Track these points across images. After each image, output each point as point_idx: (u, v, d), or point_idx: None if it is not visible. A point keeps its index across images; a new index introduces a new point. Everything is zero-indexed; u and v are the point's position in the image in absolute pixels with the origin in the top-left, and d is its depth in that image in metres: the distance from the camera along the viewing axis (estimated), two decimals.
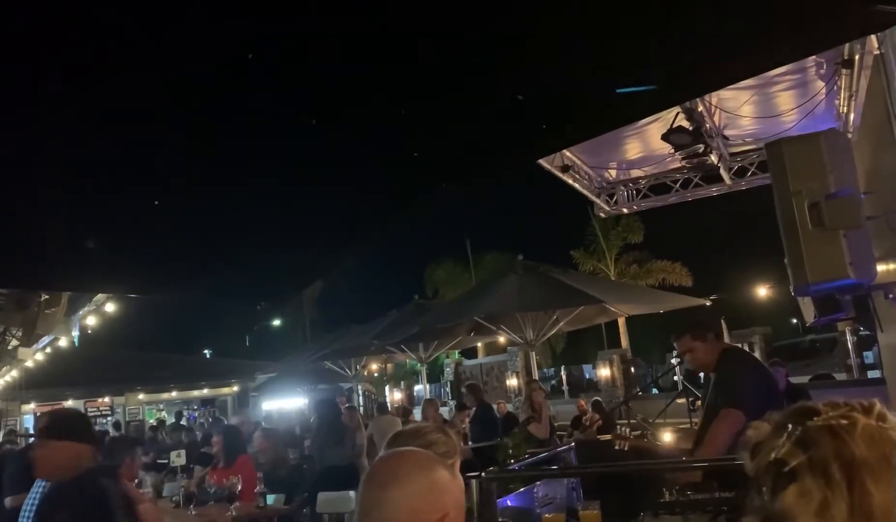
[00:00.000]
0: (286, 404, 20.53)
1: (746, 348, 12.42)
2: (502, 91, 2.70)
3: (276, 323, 39.76)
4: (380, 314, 16.97)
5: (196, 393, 23.09)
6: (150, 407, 23.25)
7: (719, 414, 4.35)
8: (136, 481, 6.18)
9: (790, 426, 1.03)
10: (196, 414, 22.79)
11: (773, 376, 4.90)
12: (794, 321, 24.62)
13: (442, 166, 3.34)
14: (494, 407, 13.12)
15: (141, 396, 22.43)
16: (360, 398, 23.06)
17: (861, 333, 14.64)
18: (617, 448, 4.91)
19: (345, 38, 2.24)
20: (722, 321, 23.38)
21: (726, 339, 22.58)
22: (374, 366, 23.52)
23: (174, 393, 22.75)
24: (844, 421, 1.00)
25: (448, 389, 25.99)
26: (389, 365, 25.53)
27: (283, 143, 2.79)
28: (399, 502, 1.44)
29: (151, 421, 20.77)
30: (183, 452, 8.15)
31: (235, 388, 21.28)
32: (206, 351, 37.37)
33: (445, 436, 2.21)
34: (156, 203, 2.89)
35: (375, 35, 2.25)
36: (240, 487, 5.60)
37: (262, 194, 3.14)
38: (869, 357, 15.42)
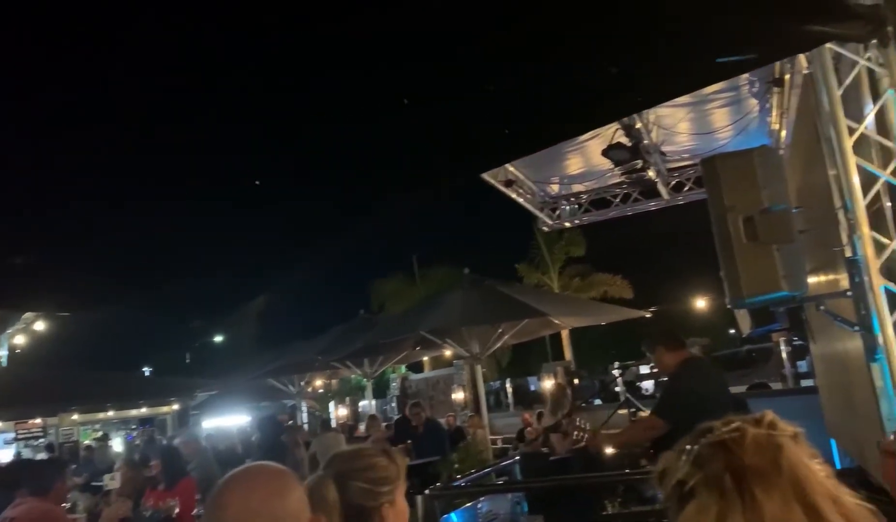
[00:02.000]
0: (227, 422, 20.07)
1: None
2: (444, 105, 2.70)
3: (218, 339, 38.94)
4: (325, 329, 16.77)
5: (134, 412, 22.34)
6: (86, 427, 22.41)
7: (644, 417, 4.84)
8: (68, 504, 5.92)
9: (688, 447, 1.06)
10: (134, 435, 22.03)
11: (720, 387, 5.08)
12: (732, 331, 25.27)
13: (384, 179, 3.31)
14: (443, 420, 13.11)
15: (75, 416, 21.57)
16: (304, 415, 22.70)
17: (795, 343, 15.13)
18: (576, 437, 5.18)
19: (285, 50, 2.20)
20: (647, 335, 23.84)
21: None
22: (319, 382, 23.21)
23: (111, 413, 21.94)
24: (734, 434, 1.02)
25: (394, 404, 25.81)
26: (334, 381, 25.24)
27: (221, 155, 2.72)
28: None
29: (86, 441, 20.02)
30: (118, 474, 7.87)
31: (175, 407, 20.67)
32: (144, 369, 36.34)
33: (388, 460, 2.13)
34: (84, 216, 2.79)
35: (317, 48, 2.22)
36: (177, 510, 5.42)
37: (198, 206, 3.05)
38: (802, 366, 15.92)
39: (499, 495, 4.60)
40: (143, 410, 22.07)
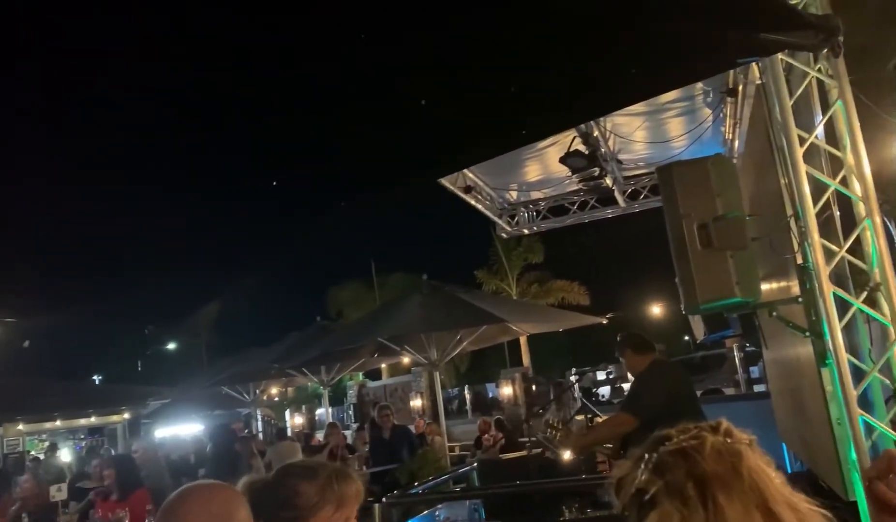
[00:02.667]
0: (181, 431, 19.67)
1: None
2: (402, 108, 2.68)
3: (171, 347, 38.20)
4: (281, 336, 16.56)
5: (83, 421, 21.73)
6: (32, 437, 21.72)
7: (614, 414, 5.22)
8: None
9: (646, 455, 1.05)
10: (82, 445, 21.45)
11: (686, 389, 5.20)
12: (686, 338, 25.72)
13: (341, 183, 3.27)
14: (412, 426, 13.05)
15: (21, 426, 20.89)
16: (259, 423, 22.38)
17: (747, 349, 15.45)
18: (549, 434, 5.30)
19: (239, 47, 2.15)
20: (618, 339, 24.19)
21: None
22: (275, 390, 22.90)
23: (59, 422, 21.31)
24: (694, 442, 1.02)
25: (351, 412, 25.62)
26: (290, 389, 24.95)
27: (173, 158, 2.65)
28: None
29: (33, 452, 19.41)
30: (64, 486, 7.64)
31: (126, 416, 20.18)
32: (95, 378, 35.41)
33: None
34: (29, 218, 2.69)
35: (272, 46, 2.18)
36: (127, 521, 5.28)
37: (149, 210, 2.97)
38: (755, 372, 16.26)
39: (457, 501, 4.57)
40: (93, 419, 21.48)
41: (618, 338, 5.15)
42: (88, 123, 2.19)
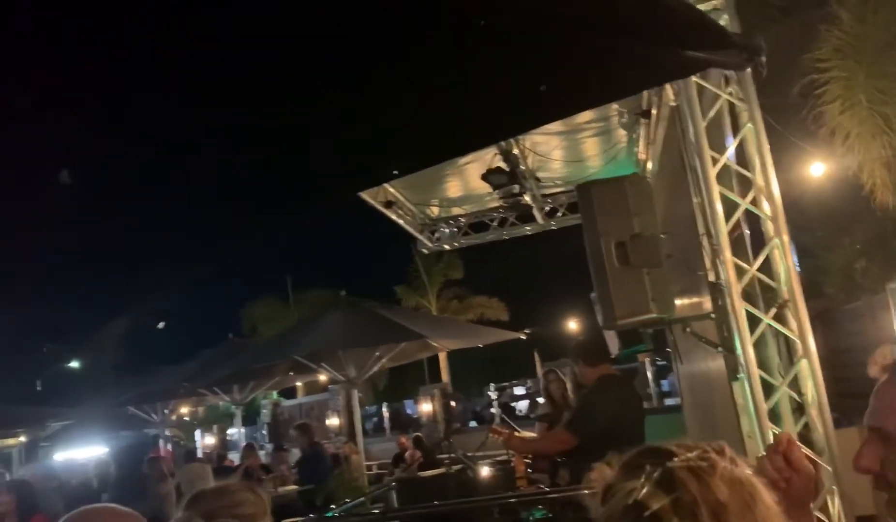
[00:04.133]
0: (83, 454, 18.68)
1: None
2: (322, 121, 2.59)
3: (73, 365, 36.33)
4: (191, 354, 16.00)
5: None
6: None
7: (556, 430, 5.30)
8: None
9: (647, 467, 0.99)
10: None
11: (636, 405, 5.25)
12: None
13: (258, 196, 3.15)
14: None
15: None
16: (168, 444, 21.50)
17: (658, 363, 15.93)
18: (494, 438, 5.44)
19: (147, 59, 2.02)
20: (535, 353, 24.55)
21: (538, 371, 23.65)
22: (185, 410, 22.09)
23: None
24: (704, 463, 0.98)
25: (265, 431, 24.96)
26: (201, 409, 24.12)
27: (76, 161, 2.47)
28: None
29: None
30: None
31: (22, 438, 19.04)
32: None
33: (255, 496, 2.03)
34: None
35: (180, 56, 2.06)
36: None
37: (50, 220, 2.76)
38: (665, 385, 16.79)
39: None
40: None
41: (571, 349, 5.18)
42: None
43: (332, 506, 6.07)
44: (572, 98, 2.13)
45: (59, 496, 7.71)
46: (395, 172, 4.22)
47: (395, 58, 2.23)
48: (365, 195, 7.33)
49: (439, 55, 2.22)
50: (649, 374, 16.37)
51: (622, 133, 7.50)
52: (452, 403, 20.77)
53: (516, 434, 5.88)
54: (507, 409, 20.08)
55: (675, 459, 0.99)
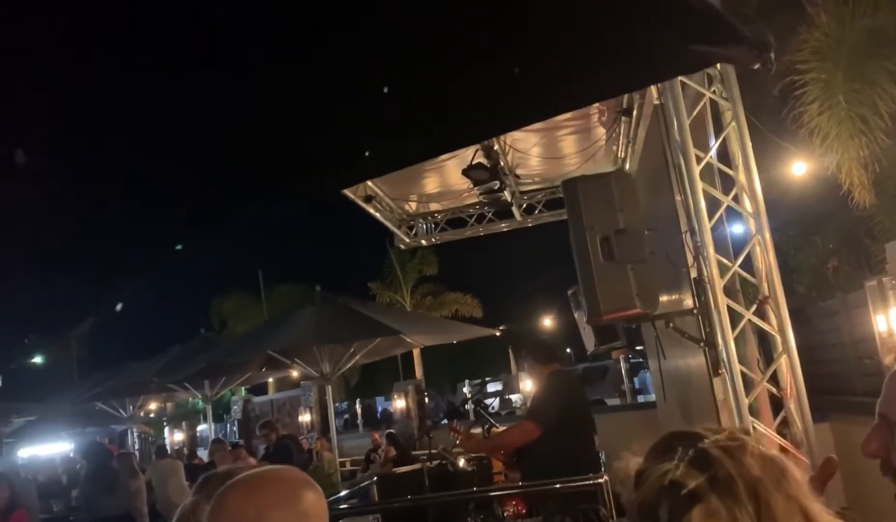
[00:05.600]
0: (48, 450, 18.33)
1: None
2: (302, 114, 2.55)
3: (37, 361, 35.63)
4: (159, 349, 15.76)
5: None
6: None
7: (520, 422, 5.41)
8: None
9: (679, 449, 1.00)
10: None
11: (581, 400, 5.42)
12: (568, 350, 26.43)
13: (238, 187, 3.09)
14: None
15: None
16: (136, 440, 21.19)
17: (632, 361, 16.10)
18: (453, 437, 5.55)
19: (130, 41, 1.97)
20: (509, 350, 24.64)
21: (512, 368, 23.70)
22: (153, 406, 21.77)
23: None
24: (734, 443, 1.00)
25: (235, 428, 24.71)
26: (170, 405, 23.79)
27: (46, 149, 2.41)
28: None
29: None
30: None
31: None
32: None
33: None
34: None
35: (163, 43, 2.01)
36: None
37: (15, 214, 2.68)
38: (636, 382, 16.99)
39: (357, 518, 4.45)
40: None
41: (522, 349, 5.28)
42: None
43: None
44: (579, 91, 2.12)
45: (33, 490, 7.57)
46: (381, 167, 4.19)
47: (386, 44, 2.20)
48: (347, 190, 7.30)
49: (436, 42, 2.20)
50: (623, 371, 16.52)
51: (601, 131, 7.54)
52: (426, 399, 20.77)
53: (472, 432, 6.10)
54: (479, 405, 20.11)
55: (706, 440, 1.01)
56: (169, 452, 16.93)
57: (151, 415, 24.21)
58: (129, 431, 20.15)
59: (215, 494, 1.32)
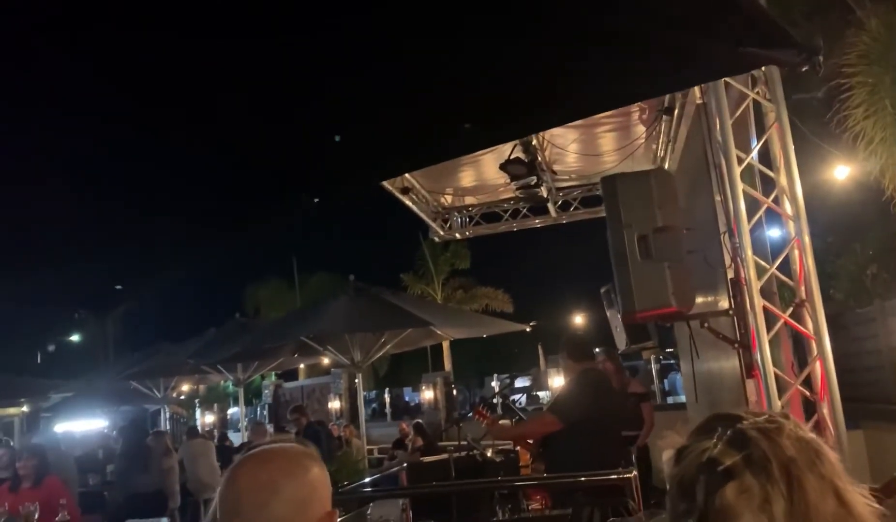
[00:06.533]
0: (84, 426, 18.79)
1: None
2: (349, 108, 2.61)
3: (74, 339, 36.47)
4: (193, 333, 16.06)
5: None
6: None
7: (542, 413, 5.57)
8: None
9: (719, 429, 1.06)
10: None
11: (612, 399, 5.38)
12: (597, 349, 26.20)
13: (284, 183, 3.17)
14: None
15: None
16: (168, 421, 21.60)
17: (662, 362, 15.99)
18: (477, 420, 5.64)
19: (166, 30, 2.03)
20: (539, 347, 24.59)
21: (541, 365, 23.60)
22: (186, 387, 22.19)
23: None
24: (772, 425, 1.05)
25: (266, 412, 25.06)
26: (202, 387, 24.21)
27: (95, 141, 2.51)
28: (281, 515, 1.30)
29: None
30: None
31: (25, 408, 19.16)
32: None
33: (304, 449, 2.08)
34: None
35: (203, 34, 2.08)
36: (37, 515, 4.98)
37: (59, 194, 2.78)
38: (666, 384, 16.86)
39: (388, 501, 4.53)
40: None
41: (561, 348, 5.29)
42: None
43: (345, 484, 6.14)
44: (626, 89, 2.17)
45: (71, 462, 7.79)
46: (434, 158, 4.23)
47: (432, 39, 2.24)
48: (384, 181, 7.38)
49: (483, 39, 2.24)
50: (653, 371, 16.43)
51: (641, 129, 7.52)
52: (455, 392, 20.86)
53: (498, 420, 6.14)
54: (508, 400, 20.16)
55: (745, 421, 1.07)
56: (200, 433, 17.26)
57: (183, 397, 24.67)
58: (161, 411, 20.58)
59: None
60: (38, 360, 36.22)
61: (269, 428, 17.61)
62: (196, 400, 26.25)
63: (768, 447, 1.02)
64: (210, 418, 25.64)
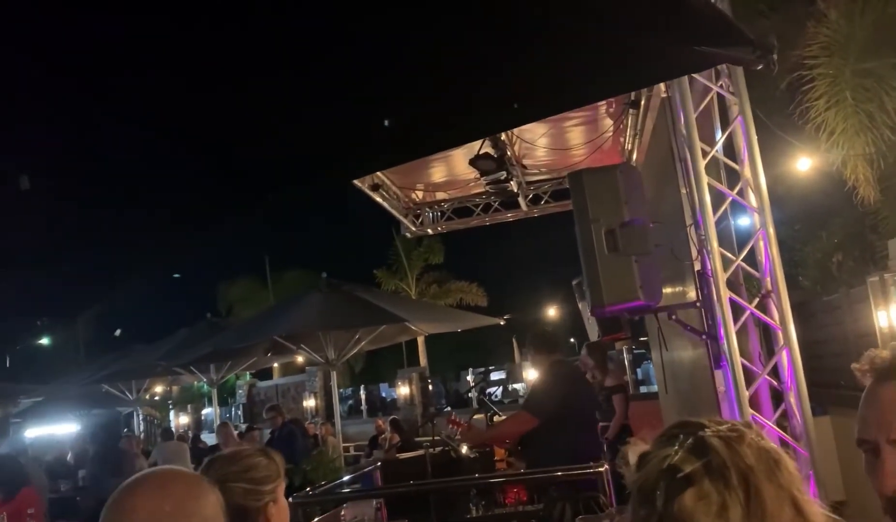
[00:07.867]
0: (55, 431, 18.52)
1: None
2: (321, 108, 2.58)
3: (44, 342, 35.84)
4: (165, 333, 15.88)
5: None
6: None
7: (516, 412, 5.45)
8: None
9: (681, 436, 1.07)
10: None
11: (584, 389, 5.43)
12: (572, 340, 26.48)
13: (248, 179, 3.13)
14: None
15: None
16: (141, 423, 21.40)
17: (635, 352, 16.17)
18: (450, 429, 5.64)
19: (134, 26, 2.00)
20: (513, 339, 24.70)
21: (516, 358, 23.69)
22: (159, 389, 21.97)
23: None
24: (733, 433, 1.06)
25: (240, 412, 24.89)
26: (175, 388, 23.99)
27: (67, 139, 2.46)
28: None
29: None
30: None
31: None
32: None
33: (268, 459, 2.07)
34: None
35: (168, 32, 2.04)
36: None
37: (25, 197, 2.73)
38: (639, 373, 17.07)
39: (362, 501, 4.52)
40: None
41: (526, 339, 5.29)
42: None
43: (321, 484, 6.11)
44: (585, 88, 2.17)
45: (41, 470, 7.66)
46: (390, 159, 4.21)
47: (400, 40, 2.23)
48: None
49: (444, 41, 2.23)
50: (626, 362, 16.60)
51: (608, 122, 7.56)
52: (430, 387, 20.87)
53: (473, 422, 6.16)
54: (482, 394, 20.25)
55: (707, 430, 1.08)
56: (174, 435, 17.09)
57: (157, 398, 24.42)
58: (134, 413, 20.36)
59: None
60: (7, 364, 35.62)
61: (242, 427, 17.50)
62: (169, 402, 25.98)
63: (728, 455, 1.03)
64: (184, 419, 25.41)
